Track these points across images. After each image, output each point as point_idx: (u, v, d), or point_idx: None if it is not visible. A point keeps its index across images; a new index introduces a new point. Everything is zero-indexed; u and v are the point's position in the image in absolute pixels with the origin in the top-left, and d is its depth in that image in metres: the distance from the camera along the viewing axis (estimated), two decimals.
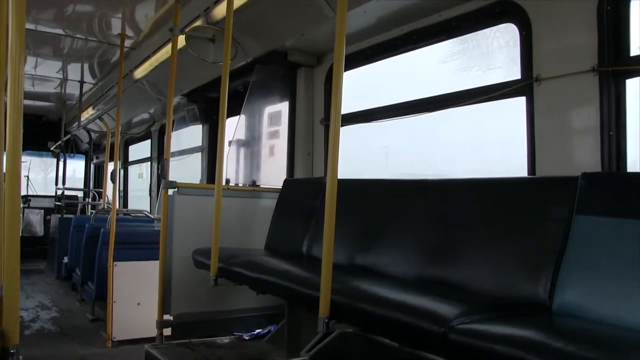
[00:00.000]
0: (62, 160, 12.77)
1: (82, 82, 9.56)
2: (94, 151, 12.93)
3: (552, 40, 3.39)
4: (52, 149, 13.21)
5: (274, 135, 5.95)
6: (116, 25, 6.48)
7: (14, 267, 2.19)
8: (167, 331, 4.78)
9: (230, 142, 5.72)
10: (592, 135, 3.14)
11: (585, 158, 3.18)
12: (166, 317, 4.74)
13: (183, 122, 8.09)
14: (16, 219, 2.24)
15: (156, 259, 4.86)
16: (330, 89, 3.04)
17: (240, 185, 5.65)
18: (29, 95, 10.72)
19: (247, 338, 4.64)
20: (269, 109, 6.03)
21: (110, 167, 8.88)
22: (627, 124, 3.09)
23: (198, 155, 8.42)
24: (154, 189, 10.12)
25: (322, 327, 2.85)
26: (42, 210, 13.63)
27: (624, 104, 3.10)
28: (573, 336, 2.21)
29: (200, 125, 8.13)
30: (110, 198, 8.49)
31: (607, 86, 3.10)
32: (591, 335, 2.23)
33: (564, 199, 2.81)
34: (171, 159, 5.00)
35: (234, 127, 5.75)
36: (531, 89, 3.47)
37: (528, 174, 3.49)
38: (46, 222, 13.20)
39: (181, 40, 5.14)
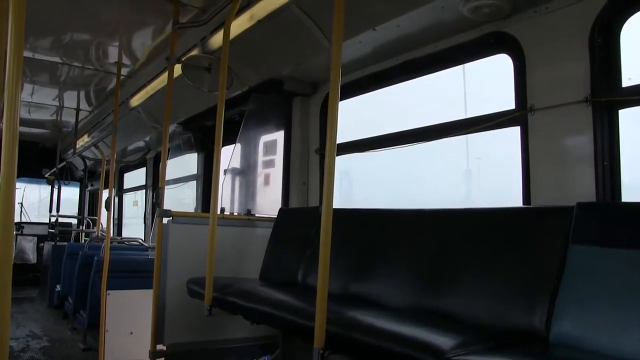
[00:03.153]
0: (56, 187, 12.73)
1: (78, 110, 9.56)
2: (88, 178, 12.89)
3: (545, 71, 3.43)
4: (46, 176, 13.17)
5: (269, 164, 5.96)
6: (113, 53, 6.50)
7: (5, 296, 2.16)
8: None
9: (225, 171, 5.72)
10: (587, 165, 3.16)
11: (580, 188, 3.19)
12: (159, 346, 4.68)
13: (178, 150, 8.10)
14: (9, 247, 2.22)
15: (150, 287, 4.80)
16: (326, 118, 3.05)
17: (235, 214, 5.63)
18: (25, 122, 10.71)
19: None
20: (265, 138, 6.05)
21: (105, 194, 8.85)
22: (621, 153, 3.12)
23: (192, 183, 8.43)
24: (149, 217, 10.09)
25: (317, 359, 2.82)
26: (35, 238, 13.53)
27: (617, 134, 3.13)
28: None
29: (196, 154, 8.14)
30: (105, 226, 8.45)
31: (600, 116, 3.13)
32: None
33: (559, 229, 2.81)
34: (166, 187, 4.99)
35: (229, 155, 5.75)
36: (525, 118, 3.50)
37: (523, 204, 3.49)
38: (39, 250, 13.09)
39: (177, 69, 5.16)
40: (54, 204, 12.78)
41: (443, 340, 2.37)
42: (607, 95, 3.12)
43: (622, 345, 2.34)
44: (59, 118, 10.54)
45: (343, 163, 5.14)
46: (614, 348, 2.35)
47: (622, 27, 3.15)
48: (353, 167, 5.41)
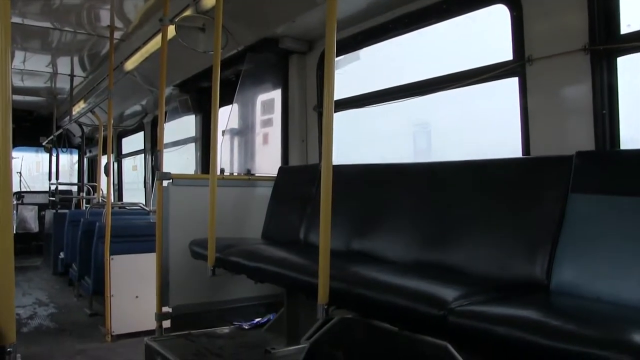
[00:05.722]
0: (54, 155, 12.72)
1: (72, 76, 9.50)
2: (86, 145, 12.82)
3: (542, 20, 3.38)
4: (44, 144, 13.14)
5: (267, 123, 5.94)
6: (105, 17, 6.42)
7: (8, 264, 2.18)
8: (167, 323, 4.78)
9: (223, 132, 5.70)
10: (586, 114, 3.14)
11: (579, 137, 3.18)
12: (165, 309, 4.74)
13: (176, 113, 8.06)
14: (8, 216, 2.23)
15: (153, 251, 4.84)
16: (323, 75, 3.02)
17: (235, 174, 5.63)
18: (18, 90, 10.66)
19: (246, 327, 4.65)
20: (262, 97, 6.02)
21: (104, 160, 8.85)
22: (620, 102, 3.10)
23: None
24: (149, 181, 10.10)
25: (321, 314, 2.85)
26: (36, 206, 13.57)
27: (616, 82, 3.10)
28: (571, 314, 2.22)
29: (193, 116, 8.11)
30: (105, 192, 8.47)
31: (599, 65, 3.10)
32: (588, 313, 2.25)
33: (559, 178, 2.81)
34: (165, 150, 4.97)
35: (227, 116, 5.73)
36: (523, 69, 3.46)
37: (522, 154, 3.49)
38: (41, 218, 13.16)
39: (171, 31, 5.09)
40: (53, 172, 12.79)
41: (446, 292, 2.40)
42: (605, 43, 3.08)
43: (621, 291, 2.37)
44: (53, 85, 10.47)
45: (418, 112, 4.77)
46: (614, 294, 2.39)
47: None
48: (433, 116, 4.81)
